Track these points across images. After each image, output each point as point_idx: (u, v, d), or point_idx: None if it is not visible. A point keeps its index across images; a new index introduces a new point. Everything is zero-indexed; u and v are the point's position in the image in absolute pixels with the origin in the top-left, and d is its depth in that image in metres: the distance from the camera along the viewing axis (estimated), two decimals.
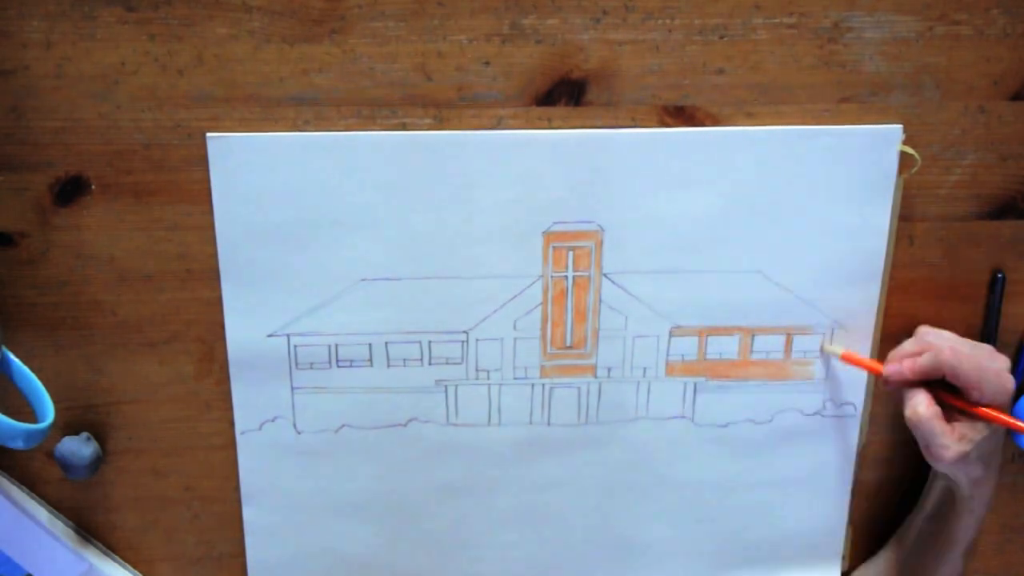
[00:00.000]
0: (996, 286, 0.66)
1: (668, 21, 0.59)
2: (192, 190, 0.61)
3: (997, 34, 0.60)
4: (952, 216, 0.64)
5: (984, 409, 0.59)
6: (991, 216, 0.64)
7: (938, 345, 0.60)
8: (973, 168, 0.63)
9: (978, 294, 0.66)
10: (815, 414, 0.68)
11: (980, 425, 0.59)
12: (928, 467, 0.66)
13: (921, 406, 0.59)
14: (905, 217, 0.64)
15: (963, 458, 0.59)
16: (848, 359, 0.65)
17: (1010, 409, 0.61)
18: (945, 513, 0.66)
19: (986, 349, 0.62)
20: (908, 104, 0.61)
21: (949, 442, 0.59)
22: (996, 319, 0.66)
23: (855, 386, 0.68)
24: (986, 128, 0.62)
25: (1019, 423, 0.59)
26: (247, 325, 0.64)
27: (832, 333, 0.66)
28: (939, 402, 0.60)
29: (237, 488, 0.68)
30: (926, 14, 0.59)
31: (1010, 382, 0.60)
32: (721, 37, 0.59)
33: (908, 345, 0.62)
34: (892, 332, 0.67)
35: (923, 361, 0.60)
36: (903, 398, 0.61)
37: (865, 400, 0.68)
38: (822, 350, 0.66)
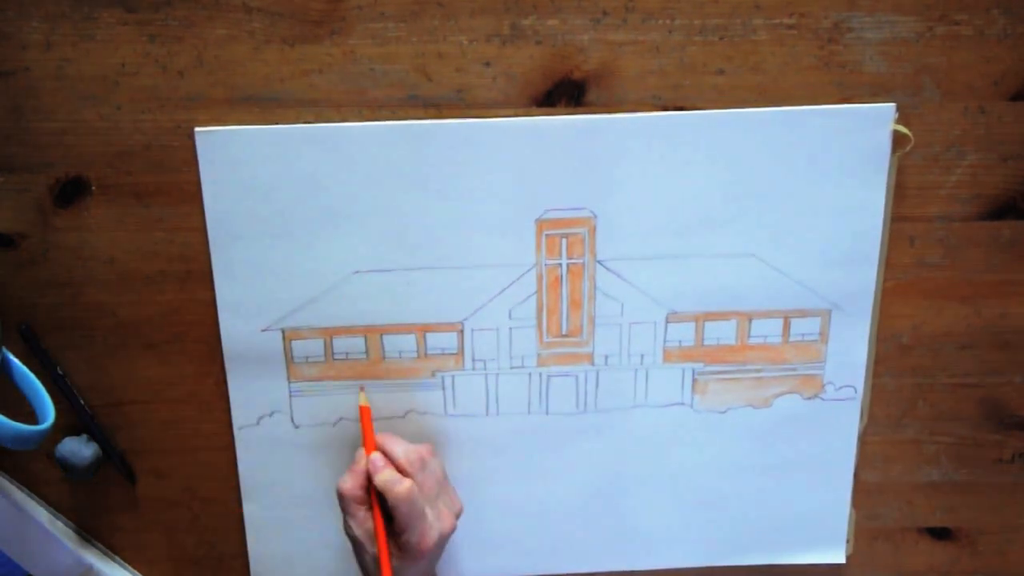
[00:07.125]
0: None
1: (668, 22, 0.59)
2: (192, 191, 0.61)
3: (997, 34, 0.60)
4: (952, 216, 0.64)
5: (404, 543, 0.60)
6: (991, 217, 0.64)
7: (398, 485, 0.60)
8: (973, 169, 0.63)
9: (978, 295, 0.66)
10: (815, 397, 0.68)
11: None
12: (931, 467, 0.65)
13: (352, 528, 0.62)
14: (905, 218, 0.64)
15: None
16: (364, 412, 0.64)
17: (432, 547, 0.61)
18: None
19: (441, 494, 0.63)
20: (908, 104, 0.61)
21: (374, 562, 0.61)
22: None
23: (855, 369, 0.67)
24: (986, 128, 0.62)
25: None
26: (240, 320, 0.64)
27: (829, 316, 0.65)
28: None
29: (238, 488, 0.68)
30: (926, 14, 0.59)
31: (434, 531, 0.61)
32: (721, 38, 0.59)
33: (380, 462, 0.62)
34: (893, 333, 0.67)
35: (380, 482, 0.61)
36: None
37: (865, 382, 0.67)
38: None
